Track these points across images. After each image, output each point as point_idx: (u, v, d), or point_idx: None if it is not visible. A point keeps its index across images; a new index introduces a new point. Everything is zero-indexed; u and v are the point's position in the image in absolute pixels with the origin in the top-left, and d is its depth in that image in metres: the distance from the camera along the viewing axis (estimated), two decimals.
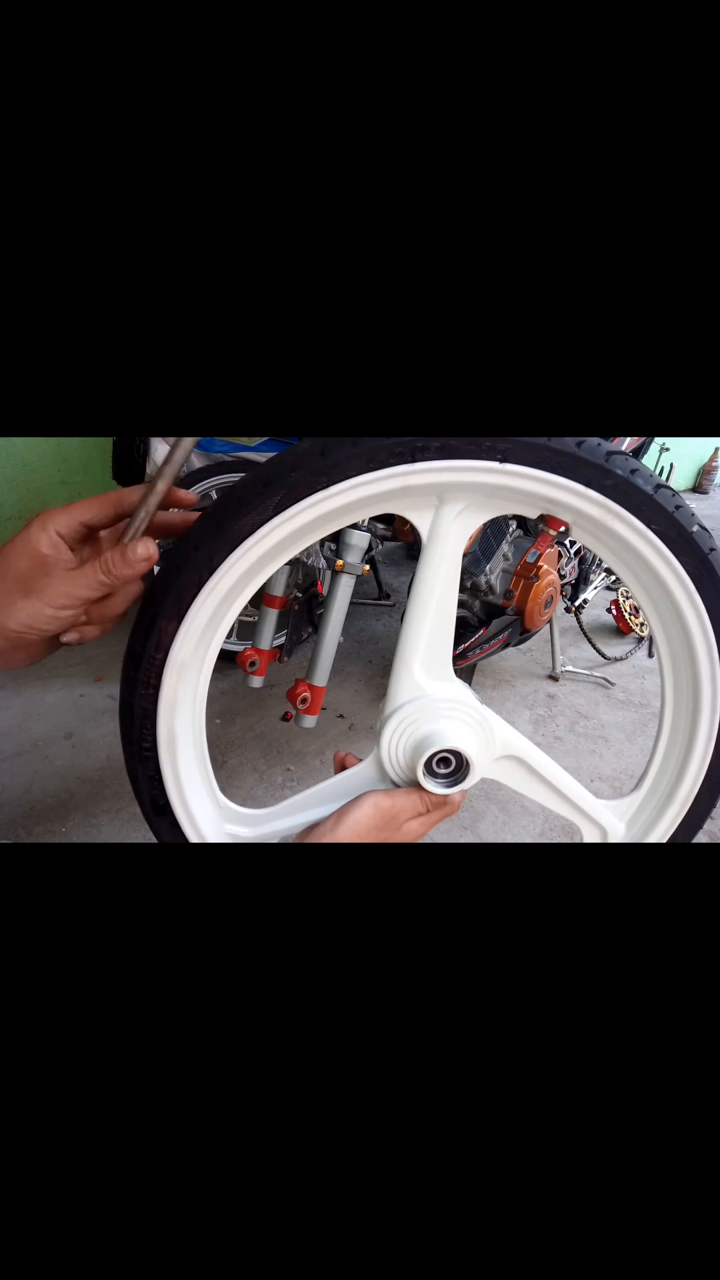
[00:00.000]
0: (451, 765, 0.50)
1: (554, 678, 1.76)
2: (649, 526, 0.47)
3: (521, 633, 1.40)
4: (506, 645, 1.39)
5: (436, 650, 0.52)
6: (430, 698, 0.52)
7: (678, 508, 0.47)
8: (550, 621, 1.63)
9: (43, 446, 2.06)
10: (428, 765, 0.49)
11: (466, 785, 0.50)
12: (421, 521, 0.49)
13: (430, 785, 0.49)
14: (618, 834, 0.59)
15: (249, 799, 0.55)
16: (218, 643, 0.49)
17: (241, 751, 1.42)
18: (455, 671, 0.54)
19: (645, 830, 0.60)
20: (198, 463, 1.73)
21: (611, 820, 0.59)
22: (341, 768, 0.55)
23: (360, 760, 0.54)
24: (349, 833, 0.46)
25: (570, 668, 1.80)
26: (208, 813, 0.53)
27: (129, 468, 1.69)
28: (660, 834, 0.59)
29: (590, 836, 0.59)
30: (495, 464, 0.44)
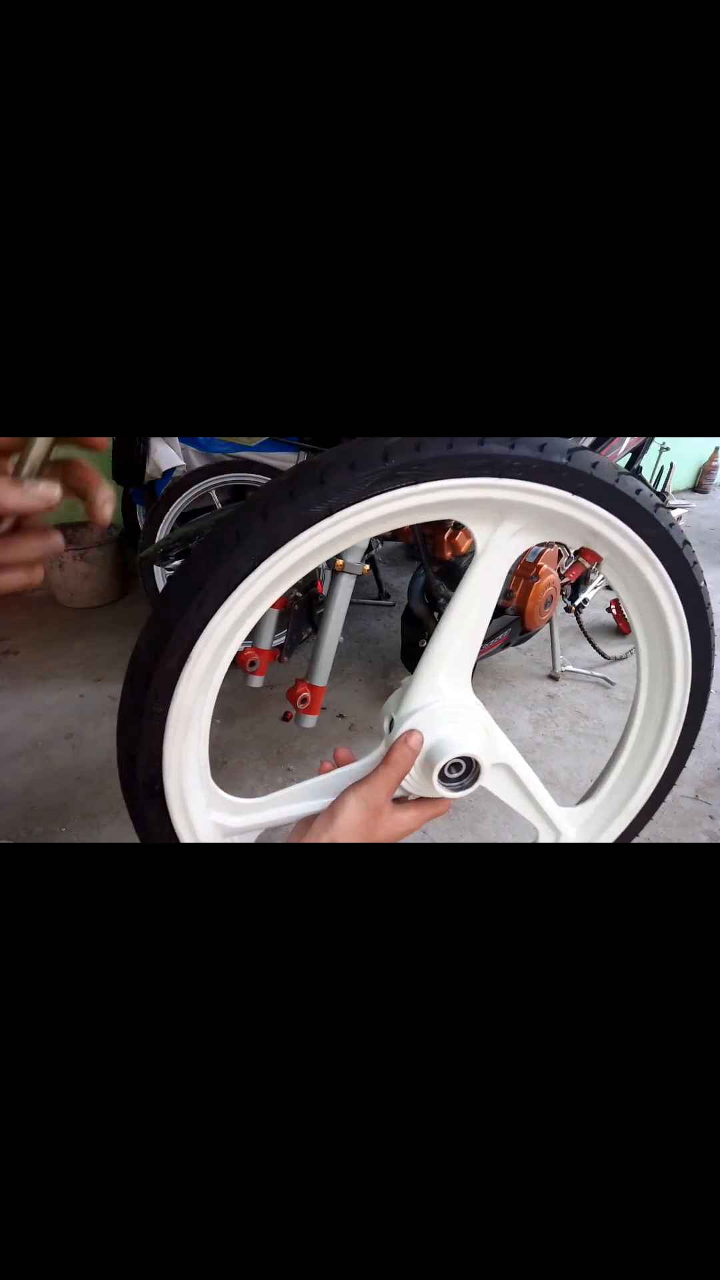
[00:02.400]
0: (461, 770, 0.51)
1: (554, 677, 1.76)
2: (670, 575, 0.53)
3: (521, 632, 1.40)
4: (506, 645, 1.39)
5: (464, 658, 0.53)
6: (451, 702, 0.52)
7: (694, 564, 0.54)
8: (550, 621, 1.63)
9: None
10: (441, 770, 0.50)
11: (470, 790, 0.52)
12: (480, 534, 0.50)
13: (439, 788, 0.50)
14: (570, 837, 0.65)
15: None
16: (252, 622, 0.47)
17: (242, 752, 1.42)
18: None
19: (594, 835, 0.67)
20: (197, 462, 1.73)
21: (567, 825, 0.64)
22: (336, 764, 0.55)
23: (355, 758, 0.54)
24: (344, 833, 0.46)
25: (570, 667, 1.80)
26: (198, 799, 0.51)
27: (129, 468, 1.69)
28: (605, 839, 0.67)
29: (545, 837, 0.64)
30: (569, 494, 0.47)
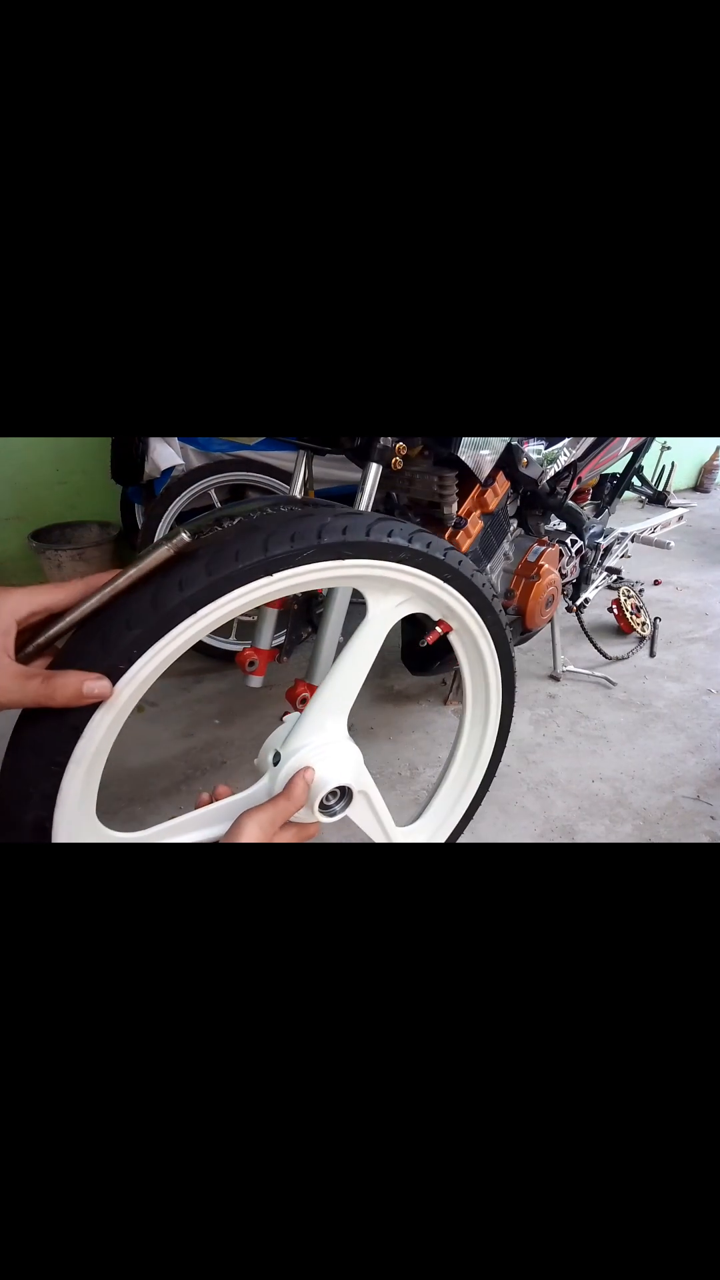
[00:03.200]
0: (338, 798, 0.59)
1: (555, 678, 1.76)
2: (496, 649, 0.78)
3: (522, 632, 1.40)
4: None
5: (347, 701, 0.63)
6: (333, 740, 0.59)
7: (510, 642, 0.80)
8: (551, 621, 1.62)
9: (41, 445, 2.06)
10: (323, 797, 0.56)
11: (340, 816, 0.60)
12: (373, 602, 0.64)
13: (318, 813, 0.56)
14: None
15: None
16: (163, 667, 0.48)
17: (240, 753, 1.42)
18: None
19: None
20: (196, 461, 1.72)
21: (402, 840, 0.77)
22: (212, 799, 0.56)
23: (233, 792, 0.56)
24: None
25: (571, 668, 1.79)
26: (83, 834, 0.49)
27: (128, 467, 1.68)
28: None
29: None
30: (441, 582, 0.66)
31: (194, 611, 0.47)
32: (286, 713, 1.13)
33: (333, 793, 0.58)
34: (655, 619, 2.10)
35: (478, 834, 1.21)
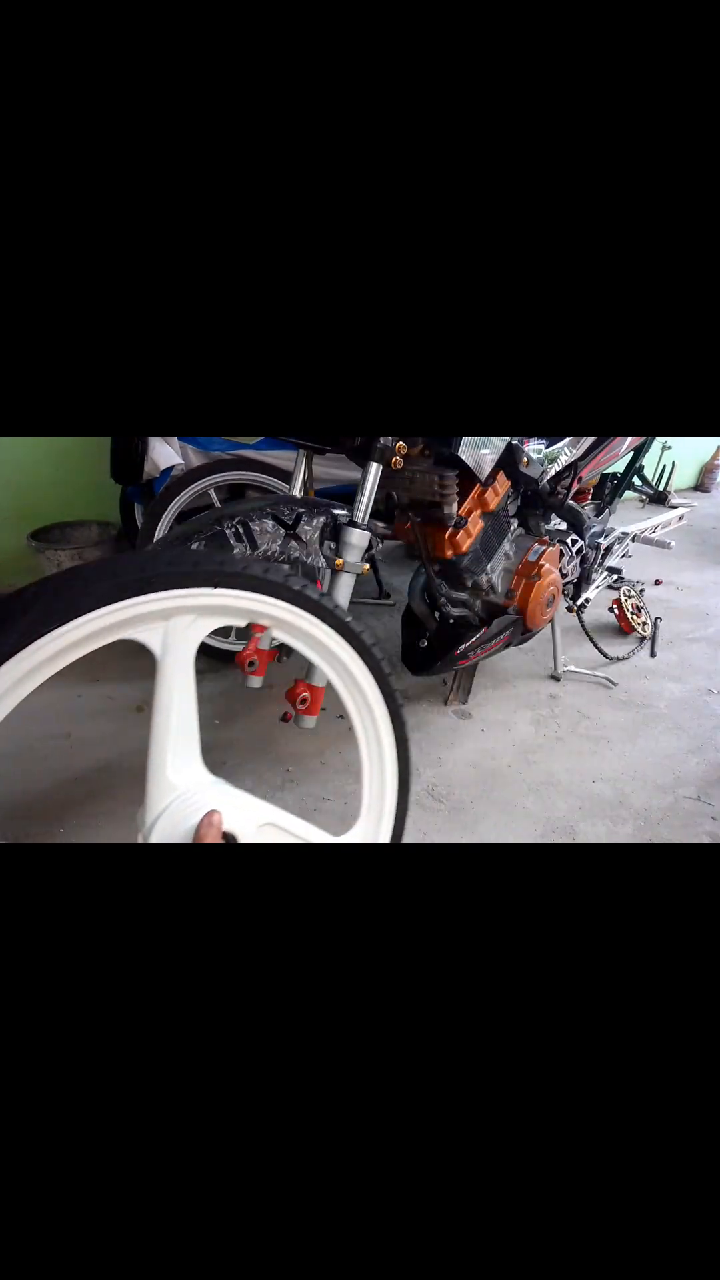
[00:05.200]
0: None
1: (555, 678, 1.75)
2: (323, 620, 0.65)
3: (523, 632, 1.39)
4: (508, 645, 1.38)
5: (182, 746, 0.57)
6: (186, 795, 0.56)
7: (336, 607, 0.67)
8: (552, 621, 1.62)
9: (40, 445, 2.05)
10: None
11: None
12: (154, 638, 0.55)
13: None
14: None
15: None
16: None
17: (240, 754, 1.42)
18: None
19: None
20: (196, 461, 1.72)
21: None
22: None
23: None
24: None
25: (572, 668, 1.79)
26: None
27: (128, 467, 1.68)
28: None
29: None
30: (209, 589, 0.55)
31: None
32: (286, 715, 1.12)
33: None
34: (656, 619, 2.10)
35: (479, 834, 1.21)
